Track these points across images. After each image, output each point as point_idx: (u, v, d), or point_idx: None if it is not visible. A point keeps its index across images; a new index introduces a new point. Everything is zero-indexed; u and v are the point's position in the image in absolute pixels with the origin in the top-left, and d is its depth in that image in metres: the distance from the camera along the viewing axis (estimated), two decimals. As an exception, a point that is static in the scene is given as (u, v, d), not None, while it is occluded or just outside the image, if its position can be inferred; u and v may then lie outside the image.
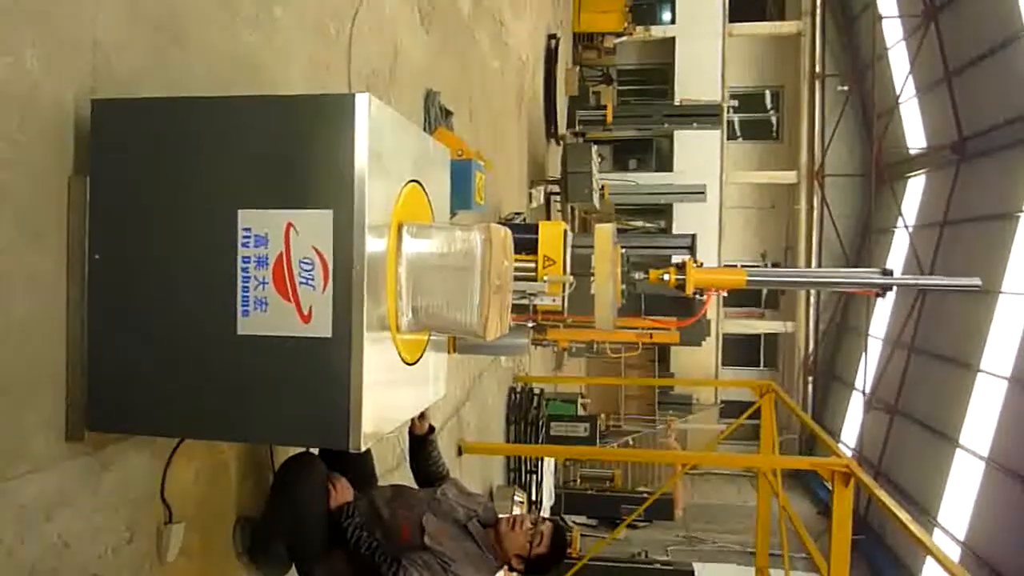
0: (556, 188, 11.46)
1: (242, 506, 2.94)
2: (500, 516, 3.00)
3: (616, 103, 16.99)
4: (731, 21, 20.05)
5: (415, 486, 3.26)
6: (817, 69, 19.84)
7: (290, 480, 2.76)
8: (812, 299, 19.79)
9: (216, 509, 2.78)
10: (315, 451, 2.90)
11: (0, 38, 1.88)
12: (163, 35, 2.48)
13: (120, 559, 2.28)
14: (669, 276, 3.94)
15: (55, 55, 2.04)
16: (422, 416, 3.10)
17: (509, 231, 2.44)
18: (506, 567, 2.92)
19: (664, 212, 19.94)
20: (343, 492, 2.77)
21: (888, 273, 2.85)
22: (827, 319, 20.51)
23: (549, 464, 10.10)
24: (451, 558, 2.70)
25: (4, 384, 1.90)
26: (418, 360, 2.47)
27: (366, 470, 3.13)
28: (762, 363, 21.79)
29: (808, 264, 19.49)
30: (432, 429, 3.22)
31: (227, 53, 2.88)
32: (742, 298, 19.77)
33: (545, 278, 3.72)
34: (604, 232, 3.73)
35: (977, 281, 3.58)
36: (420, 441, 3.19)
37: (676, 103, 15.23)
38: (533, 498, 9.24)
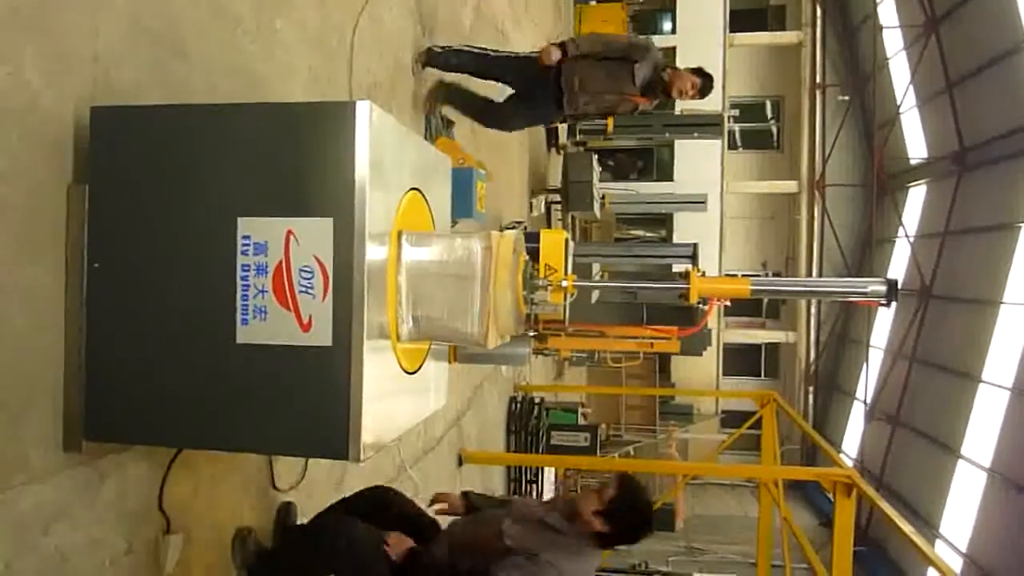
0: (557, 197, 11.48)
1: (241, 517, 2.93)
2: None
3: (617, 113, 16.99)
4: (732, 31, 20.06)
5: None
6: (818, 79, 19.82)
7: (349, 554, 2.68)
8: (813, 309, 19.75)
9: (215, 520, 2.77)
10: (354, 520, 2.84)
11: (0, 49, 1.88)
12: (163, 48, 2.48)
13: (118, 571, 2.26)
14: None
15: (55, 67, 2.04)
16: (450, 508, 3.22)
17: (519, 234, 2.43)
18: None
19: (664, 222, 19.93)
20: (399, 541, 2.72)
21: (892, 283, 2.83)
22: (828, 329, 20.47)
23: (550, 474, 10.05)
24: (536, 550, 2.69)
25: (0, 394, 1.89)
26: (418, 369, 2.45)
27: (423, 522, 3.08)
28: (763, 373, 21.74)
29: (809, 274, 19.45)
30: (465, 494, 3.28)
31: (228, 65, 2.89)
32: (743, 308, 19.75)
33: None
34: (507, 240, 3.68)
35: None
36: (470, 509, 3.23)
37: (677, 113, 15.23)
38: (534, 508, 9.17)
